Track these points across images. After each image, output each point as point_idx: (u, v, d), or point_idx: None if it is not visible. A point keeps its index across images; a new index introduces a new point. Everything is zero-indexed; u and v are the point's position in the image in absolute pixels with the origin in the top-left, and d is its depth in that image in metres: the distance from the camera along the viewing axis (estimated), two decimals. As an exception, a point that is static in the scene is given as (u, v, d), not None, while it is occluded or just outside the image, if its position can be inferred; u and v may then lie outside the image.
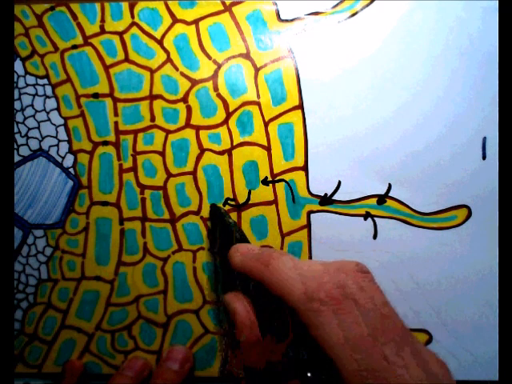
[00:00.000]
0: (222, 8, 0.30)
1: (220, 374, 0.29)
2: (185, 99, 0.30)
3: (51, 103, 0.31)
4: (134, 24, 0.31)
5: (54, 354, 0.30)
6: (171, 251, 0.30)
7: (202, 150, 0.30)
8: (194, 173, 0.30)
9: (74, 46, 0.31)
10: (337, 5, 0.30)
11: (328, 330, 0.20)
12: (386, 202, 0.30)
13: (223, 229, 0.28)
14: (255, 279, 0.23)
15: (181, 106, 0.30)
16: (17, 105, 0.31)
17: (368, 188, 0.30)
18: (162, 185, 0.30)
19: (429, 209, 0.30)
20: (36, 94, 0.31)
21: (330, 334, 0.20)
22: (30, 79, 0.31)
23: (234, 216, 0.30)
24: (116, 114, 0.31)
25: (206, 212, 0.30)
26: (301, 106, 0.30)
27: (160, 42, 0.31)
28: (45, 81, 0.31)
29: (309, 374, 0.21)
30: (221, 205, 0.30)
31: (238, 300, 0.24)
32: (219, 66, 0.30)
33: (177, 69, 0.31)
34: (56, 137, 0.31)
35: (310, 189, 0.30)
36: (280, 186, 0.30)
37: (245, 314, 0.23)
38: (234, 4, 0.30)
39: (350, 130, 0.30)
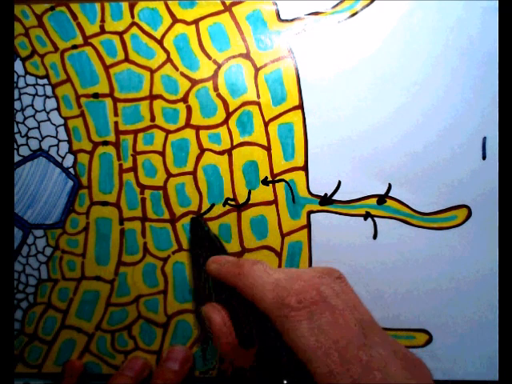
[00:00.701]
0: (222, 8, 0.30)
1: (216, 374, 0.30)
2: (185, 99, 0.30)
3: (51, 103, 0.31)
4: (133, 24, 0.31)
5: (53, 354, 0.30)
6: (171, 251, 0.30)
7: (202, 150, 0.30)
8: (194, 173, 0.30)
9: (74, 46, 0.31)
10: (337, 5, 0.30)
11: (300, 335, 0.20)
12: (385, 201, 0.30)
13: (206, 242, 0.29)
14: (230, 286, 0.24)
15: (181, 106, 0.30)
16: (17, 105, 0.31)
17: (368, 188, 0.30)
18: (162, 185, 0.30)
19: (429, 209, 0.30)
20: (36, 94, 0.31)
21: (302, 339, 0.20)
22: (30, 79, 0.31)
23: (233, 216, 0.30)
24: (116, 114, 0.31)
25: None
26: (301, 106, 0.30)
27: (160, 42, 0.31)
28: (45, 81, 0.31)
29: (285, 382, 0.21)
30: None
31: (214, 310, 0.25)
32: (219, 66, 0.30)
33: (177, 69, 0.31)
34: (56, 137, 0.31)
35: (310, 189, 0.30)
36: (280, 186, 0.30)
37: (221, 323, 0.24)
38: (233, 4, 0.30)
39: (350, 130, 0.30)
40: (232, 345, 0.24)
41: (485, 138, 0.29)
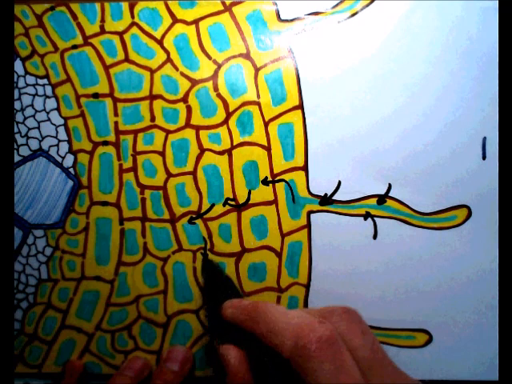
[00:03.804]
0: (222, 8, 0.30)
1: None
2: (185, 99, 0.30)
3: (51, 103, 0.31)
4: (134, 24, 0.31)
5: (53, 354, 0.30)
6: (171, 251, 0.30)
7: (202, 150, 0.30)
8: (194, 173, 0.30)
9: (74, 46, 0.31)
10: (337, 5, 0.30)
11: (321, 376, 0.20)
12: (386, 201, 0.30)
13: (220, 284, 0.29)
14: (247, 331, 0.24)
15: (181, 106, 0.30)
16: (17, 105, 0.31)
17: (368, 188, 0.30)
18: (162, 185, 0.30)
19: (429, 209, 0.30)
20: (36, 94, 0.31)
21: (323, 381, 0.20)
22: (30, 79, 0.31)
23: (233, 216, 0.30)
24: (116, 114, 0.31)
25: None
26: (301, 106, 0.30)
27: (160, 42, 0.31)
28: (45, 81, 0.31)
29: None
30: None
31: (231, 352, 0.24)
32: (219, 66, 0.30)
33: (177, 69, 0.31)
34: (56, 137, 0.31)
35: (310, 189, 0.30)
36: (280, 186, 0.30)
37: (237, 365, 0.24)
38: (233, 4, 0.30)
39: (350, 130, 0.30)
40: None
41: (485, 138, 0.29)
